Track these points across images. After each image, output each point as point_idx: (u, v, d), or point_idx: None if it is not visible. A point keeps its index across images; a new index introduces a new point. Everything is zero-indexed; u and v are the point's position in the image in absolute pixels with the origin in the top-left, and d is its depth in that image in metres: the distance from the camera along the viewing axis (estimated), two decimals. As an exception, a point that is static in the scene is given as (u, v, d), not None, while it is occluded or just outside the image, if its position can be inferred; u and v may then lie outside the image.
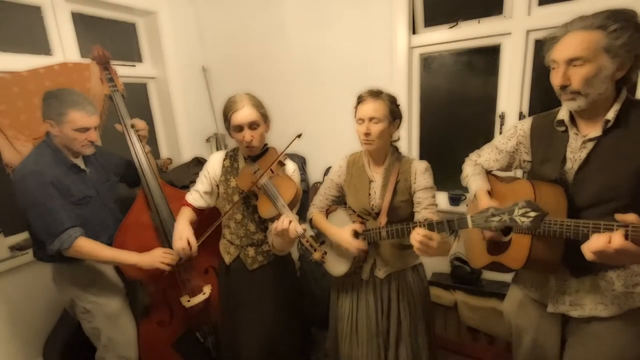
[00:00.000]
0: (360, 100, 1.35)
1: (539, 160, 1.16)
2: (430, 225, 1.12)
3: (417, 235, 1.08)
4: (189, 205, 1.52)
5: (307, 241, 1.20)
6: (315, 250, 1.19)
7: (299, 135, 1.33)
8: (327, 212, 1.55)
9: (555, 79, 0.99)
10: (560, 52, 0.97)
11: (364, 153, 1.47)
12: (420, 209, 1.34)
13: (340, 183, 1.53)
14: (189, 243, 1.43)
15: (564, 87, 0.98)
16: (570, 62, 0.95)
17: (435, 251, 1.10)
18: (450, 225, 1.08)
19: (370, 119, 1.30)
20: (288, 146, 1.35)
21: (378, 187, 1.40)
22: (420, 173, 1.36)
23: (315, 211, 1.57)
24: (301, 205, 1.46)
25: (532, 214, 0.87)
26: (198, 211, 1.53)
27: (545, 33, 1.04)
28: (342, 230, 1.36)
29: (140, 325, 1.69)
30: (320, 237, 1.53)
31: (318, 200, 1.58)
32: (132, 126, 1.67)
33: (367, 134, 1.31)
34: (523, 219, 0.89)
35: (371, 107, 1.30)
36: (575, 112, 1.04)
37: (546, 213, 0.88)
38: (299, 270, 2.34)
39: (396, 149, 1.44)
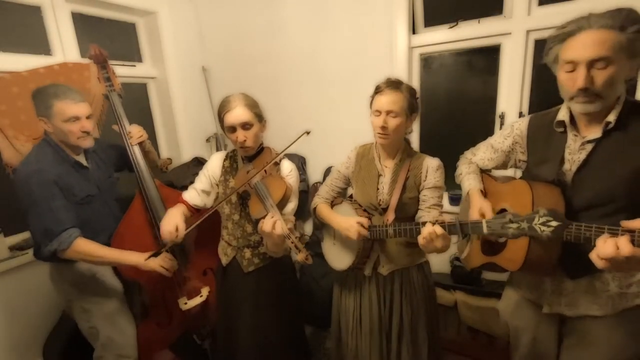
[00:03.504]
0: (378, 90, 1.27)
1: (536, 160, 1.14)
2: (442, 226, 1.06)
3: (430, 228, 1.06)
4: (183, 202, 1.49)
5: (292, 242, 1.18)
6: (299, 251, 1.16)
7: (308, 132, 1.25)
8: (332, 205, 1.50)
9: (578, 81, 0.91)
10: (580, 52, 0.90)
11: (375, 146, 1.41)
12: (424, 207, 1.30)
13: (347, 175, 1.49)
14: (177, 229, 1.36)
15: (585, 89, 0.91)
16: (593, 62, 0.89)
17: (438, 250, 1.09)
18: (463, 229, 1.03)
19: (388, 112, 1.23)
20: (291, 144, 1.30)
21: (387, 182, 1.35)
22: (432, 171, 1.30)
23: (319, 201, 1.53)
24: (301, 205, 1.44)
25: (554, 223, 0.81)
26: (193, 209, 1.50)
27: (545, 33, 1.02)
28: (347, 219, 1.32)
29: (139, 326, 1.68)
30: (316, 234, 1.52)
31: (324, 191, 1.54)
32: (128, 134, 1.65)
33: (383, 128, 1.24)
34: (543, 227, 0.83)
35: (389, 100, 1.22)
36: (578, 114, 1.01)
37: (569, 223, 0.82)
38: (299, 271, 2.34)
39: (408, 144, 1.40)
